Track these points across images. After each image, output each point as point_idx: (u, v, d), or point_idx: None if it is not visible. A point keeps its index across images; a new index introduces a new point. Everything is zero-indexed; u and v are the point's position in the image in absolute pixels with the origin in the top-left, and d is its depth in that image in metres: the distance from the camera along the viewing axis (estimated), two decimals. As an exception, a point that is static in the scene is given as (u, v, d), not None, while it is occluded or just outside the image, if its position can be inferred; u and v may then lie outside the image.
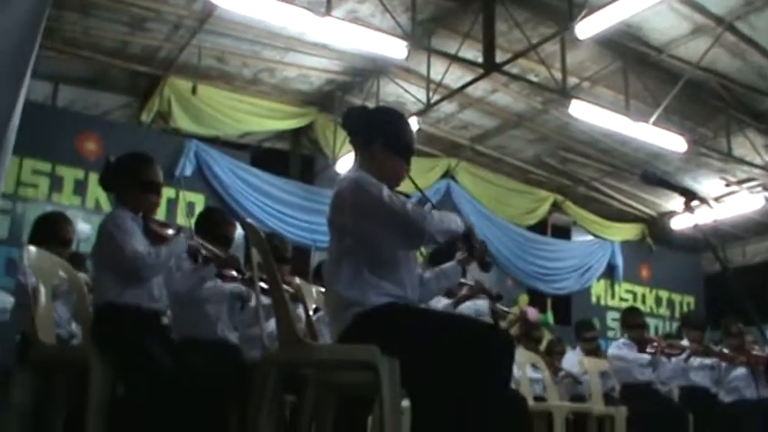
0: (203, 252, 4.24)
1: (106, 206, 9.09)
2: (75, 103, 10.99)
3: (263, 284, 3.74)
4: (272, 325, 4.40)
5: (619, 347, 7.45)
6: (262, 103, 11.59)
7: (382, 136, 3.26)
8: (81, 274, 5.00)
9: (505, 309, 5.70)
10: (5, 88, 1.93)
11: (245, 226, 3.57)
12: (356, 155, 3.36)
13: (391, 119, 3.41)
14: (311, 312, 4.49)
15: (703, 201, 3.21)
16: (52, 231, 5.23)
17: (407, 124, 3.45)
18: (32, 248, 4.25)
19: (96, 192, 9.33)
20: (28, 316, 4.41)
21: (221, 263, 4.41)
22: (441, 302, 5.04)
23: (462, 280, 4.56)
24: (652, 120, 10.51)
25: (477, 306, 5.27)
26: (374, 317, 2.99)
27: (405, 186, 3.32)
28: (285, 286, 3.80)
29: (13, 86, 1.97)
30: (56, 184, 9.39)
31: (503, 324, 5.60)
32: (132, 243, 3.80)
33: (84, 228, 8.96)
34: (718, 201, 14.09)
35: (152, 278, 3.92)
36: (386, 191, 3.08)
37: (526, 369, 6.84)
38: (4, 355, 5.51)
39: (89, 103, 11.11)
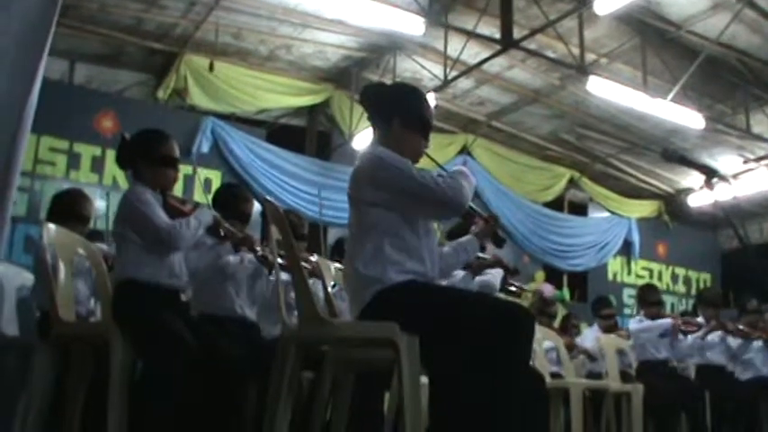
0: (222, 229, 4.25)
1: (123, 183, 9.12)
2: (91, 80, 11.01)
3: (280, 261, 3.74)
4: (290, 299, 4.43)
5: (638, 324, 7.47)
6: (278, 79, 11.60)
7: (401, 112, 3.25)
8: (102, 245, 5.04)
9: (522, 286, 5.66)
10: (23, 67, 1.94)
11: (264, 203, 3.57)
12: (374, 131, 3.35)
13: (409, 95, 3.40)
14: (329, 288, 4.49)
15: (723, 178, 3.19)
16: (70, 208, 5.23)
17: (426, 100, 3.43)
18: (51, 226, 4.25)
19: (113, 169, 9.35)
20: (47, 293, 4.43)
21: (237, 241, 4.43)
22: (458, 274, 5.03)
23: (480, 255, 4.55)
24: (670, 96, 10.45)
25: (490, 280, 5.24)
26: (394, 294, 2.99)
27: (423, 162, 3.32)
28: (303, 263, 3.80)
29: (31, 65, 1.97)
30: (73, 161, 9.43)
31: (519, 301, 5.56)
32: (159, 214, 3.82)
33: (102, 205, 8.99)
34: (736, 178, 13.96)
35: (182, 249, 3.94)
36: (413, 167, 3.08)
37: (542, 346, 6.83)
38: (24, 332, 5.56)
39: (105, 80, 11.13)
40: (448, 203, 3.08)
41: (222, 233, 4.22)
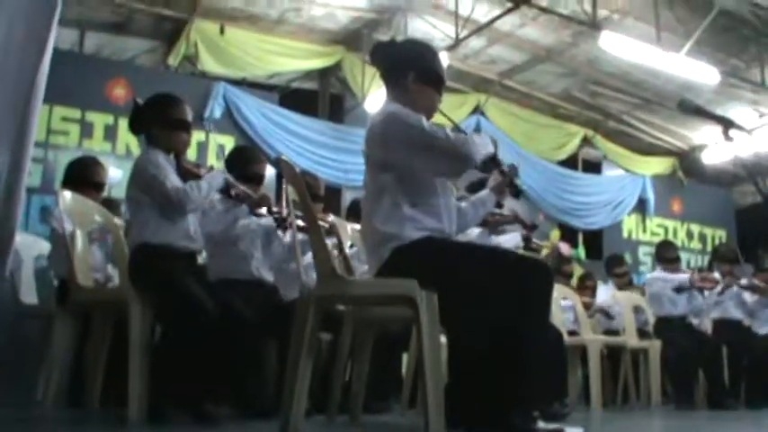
0: (234, 192, 4.26)
1: (136, 151, 9.10)
2: (101, 49, 10.97)
3: (298, 222, 3.74)
4: (307, 260, 4.44)
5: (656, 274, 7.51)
6: (289, 43, 11.51)
7: (414, 68, 3.22)
8: (115, 218, 5.04)
9: (540, 243, 5.65)
10: (34, 38, 1.93)
11: (278, 163, 3.55)
12: (388, 89, 3.32)
13: (421, 50, 3.38)
14: (347, 249, 4.49)
15: (741, 129, 3.14)
16: (84, 175, 5.24)
17: (437, 55, 3.41)
18: (67, 193, 4.26)
19: (127, 137, 9.35)
20: (64, 261, 4.45)
21: (253, 202, 4.43)
22: (474, 231, 5.01)
23: (497, 210, 4.53)
24: (683, 51, 10.33)
25: (502, 244, 5.21)
26: (412, 251, 2.98)
27: (436, 119, 3.29)
28: (320, 222, 3.80)
29: (42, 35, 1.96)
30: (86, 130, 9.42)
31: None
32: (171, 177, 3.83)
33: (116, 173, 9.00)
34: (751, 133, 13.85)
35: (193, 212, 3.98)
36: (425, 121, 3.06)
37: (559, 303, 6.84)
38: (43, 300, 5.60)
39: (116, 48, 11.09)
40: (458, 156, 3.03)
41: (234, 194, 4.22)
